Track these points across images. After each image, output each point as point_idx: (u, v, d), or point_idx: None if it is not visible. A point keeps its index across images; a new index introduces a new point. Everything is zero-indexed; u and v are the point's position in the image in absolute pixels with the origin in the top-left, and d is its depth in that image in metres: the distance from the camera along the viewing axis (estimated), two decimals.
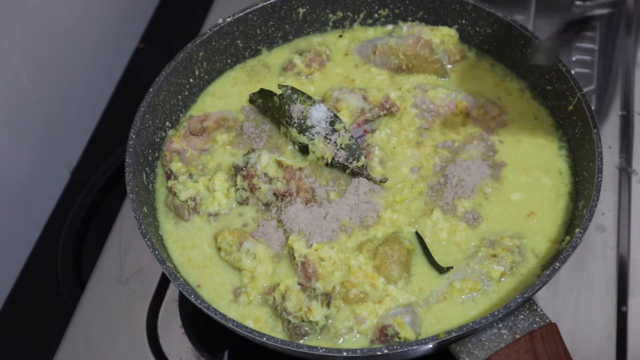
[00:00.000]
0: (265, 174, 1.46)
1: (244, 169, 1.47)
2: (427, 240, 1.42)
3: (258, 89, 1.61)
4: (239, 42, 1.68)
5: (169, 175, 1.52)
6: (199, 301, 1.29)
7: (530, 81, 1.63)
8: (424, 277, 1.39)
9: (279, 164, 1.48)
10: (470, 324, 1.24)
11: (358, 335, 1.33)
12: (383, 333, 1.32)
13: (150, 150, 1.53)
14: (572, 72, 1.51)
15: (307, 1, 1.69)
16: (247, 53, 1.71)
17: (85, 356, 1.53)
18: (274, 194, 1.46)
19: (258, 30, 1.69)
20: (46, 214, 1.95)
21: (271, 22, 1.70)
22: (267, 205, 1.47)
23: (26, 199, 1.86)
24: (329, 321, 1.34)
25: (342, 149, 1.50)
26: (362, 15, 1.74)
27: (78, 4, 1.95)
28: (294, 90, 1.53)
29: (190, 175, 1.50)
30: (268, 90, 1.58)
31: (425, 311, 1.35)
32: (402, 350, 1.24)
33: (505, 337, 1.26)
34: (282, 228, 1.44)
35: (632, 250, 1.61)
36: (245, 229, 1.46)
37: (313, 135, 1.51)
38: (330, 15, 1.73)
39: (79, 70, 2.00)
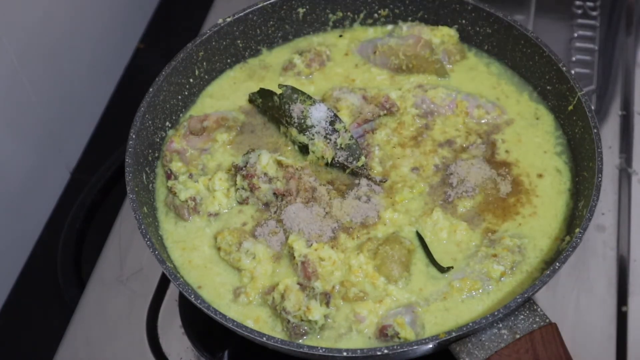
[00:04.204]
0: (265, 174, 1.46)
1: (244, 168, 1.47)
2: (427, 240, 1.42)
3: (258, 89, 1.61)
4: (239, 42, 1.68)
5: (169, 175, 1.52)
6: (199, 301, 1.29)
7: (530, 81, 1.63)
8: (424, 276, 1.39)
9: (279, 163, 1.48)
10: (470, 324, 1.24)
11: (358, 335, 1.33)
12: (383, 333, 1.31)
13: (150, 150, 1.53)
14: (572, 72, 1.51)
15: (307, 1, 1.69)
16: (247, 53, 1.71)
17: (85, 356, 1.53)
18: (274, 193, 1.46)
19: (258, 30, 1.69)
20: (46, 214, 1.95)
21: (271, 22, 1.69)
22: (266, 204, 1.47)
23: (26, 199, 1.86)
24: (328, 320, 1.34)
25: (342, 148, 1.49)
26: (362, 15, 1.74)
27: (78, 4, 1.95)
28: (294, 89, 1.53)
29: (190, 175, 1.50)
30: (268, 90, 1.57)
31: (425, 311, 1.35)
32: (402, 350, 1.24)
33: (505, 337, 1.26)
34: (282, 228, 1.44)
35: (632, 250, 1.61)
36: (244, 229, 1.46)
37: (313, 135, 1.51)
38: (330, 15, 1.73)
39: (79, 70, 2.00)
